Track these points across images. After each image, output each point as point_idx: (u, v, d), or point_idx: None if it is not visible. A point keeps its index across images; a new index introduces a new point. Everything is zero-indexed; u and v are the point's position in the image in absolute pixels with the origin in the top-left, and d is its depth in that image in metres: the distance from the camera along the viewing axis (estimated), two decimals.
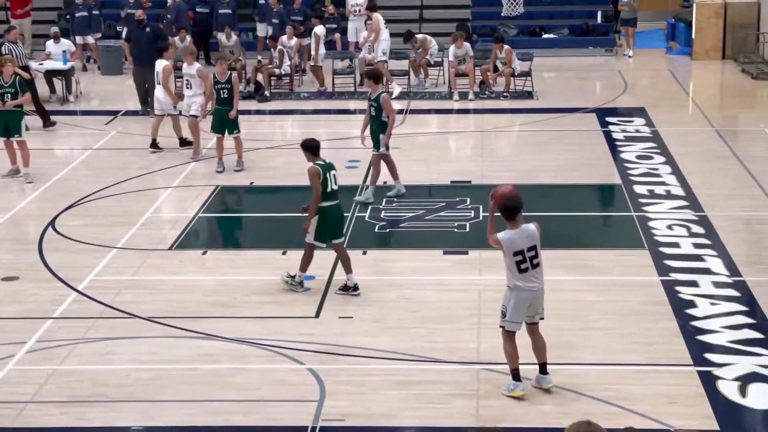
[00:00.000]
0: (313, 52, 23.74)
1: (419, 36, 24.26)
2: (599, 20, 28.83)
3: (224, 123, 17.78)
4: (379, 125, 16.07)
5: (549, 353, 10.46)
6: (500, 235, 10.08)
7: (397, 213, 15.81)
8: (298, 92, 23.92)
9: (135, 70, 22.24)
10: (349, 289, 12.83)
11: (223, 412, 10.15)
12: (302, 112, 22.48)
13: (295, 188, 17.29)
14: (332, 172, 12.64)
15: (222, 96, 17.72)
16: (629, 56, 27.36)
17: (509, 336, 10.22)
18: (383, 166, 16.21)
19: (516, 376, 10.29)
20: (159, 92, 19.00)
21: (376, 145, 16.12)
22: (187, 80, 18.87)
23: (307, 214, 12.72)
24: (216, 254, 14.45)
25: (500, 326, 10.29)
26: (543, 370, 10.38)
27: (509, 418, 9.88)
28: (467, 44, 23.38)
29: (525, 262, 9.97)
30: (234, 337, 11.73)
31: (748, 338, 11.46)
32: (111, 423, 10.05)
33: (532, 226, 10.13)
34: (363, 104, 23.02)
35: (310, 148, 12.71)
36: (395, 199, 16.12)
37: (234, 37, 25.17)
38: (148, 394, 10.53)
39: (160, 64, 19.00)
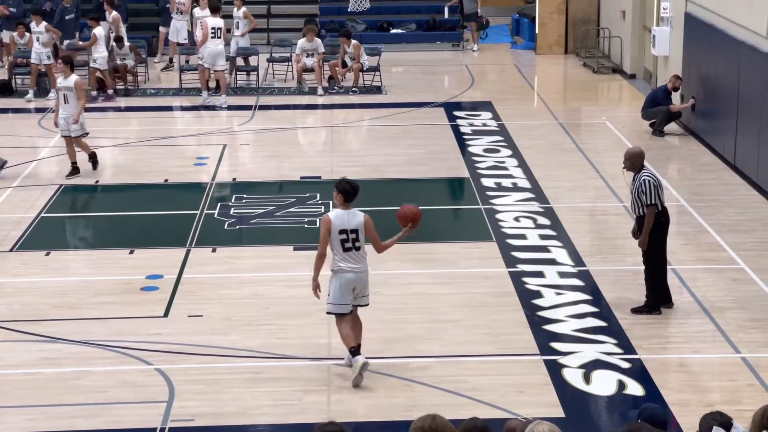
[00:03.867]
0: (95, 54, 22.47)
1: None
2: (446, 15, 29.15)
3: None
4: None
5: (398, 346, 10.59)
6: (329, 214, 10.57)
7: (247, 209, 15.69)
8: (144, 89, 23.51)
9: None
10: None
11: (66, 417, 9.90)
12: (145, 109, 22.06)
13: (141, 186, 17.04)
14: None
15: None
16: (474, 51, 27.74)
17: (340, 319, 10.55)
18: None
19: (354, 351, 10.54)
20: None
21: None
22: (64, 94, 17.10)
23: None
24: (60, 255, 14.08)
25: (327, 312, 10.63)
26: (357, 351, 10.53)
27: (360, 412, 9.92)
28: (318, 39, 23.33)
29: (348, 242, 10.47)
30: (79, 339, 11.46)
31: (592, 326, 11.76)
32: None
33: (360, 213, 10.59)
34: (187, 101, 22.80)
35: None
36: None
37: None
38: None
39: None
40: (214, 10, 22.12)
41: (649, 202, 11.74)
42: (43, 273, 13.42)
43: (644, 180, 11.77)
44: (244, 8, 23.66)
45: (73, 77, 17.05)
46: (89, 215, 16.04)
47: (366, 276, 10.62)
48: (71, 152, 17.12)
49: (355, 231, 10.48)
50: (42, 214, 15.48)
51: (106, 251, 14.20)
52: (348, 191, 10.52)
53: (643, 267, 12.24)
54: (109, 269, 13.48)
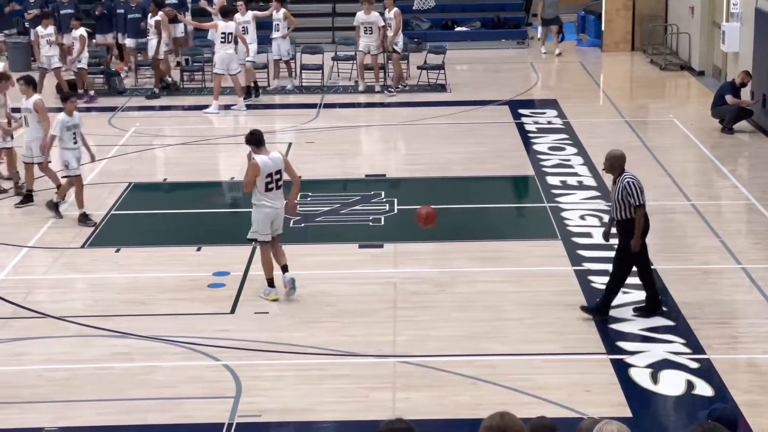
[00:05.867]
0: (75, 55, 22.39)
1: None
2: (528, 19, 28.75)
3: None
4: None
5: (464, 344, 10.61)
6: (257, 158, 11.99)
7: (312, 207, 15.78)
8: (211, 87, 23.70)
9: None
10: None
11: (138, 411, 10.05)
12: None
13: (208, 184, 17.22)
14: None
15: None
16: (556, 54, 26.57)
17: (264, 248, 12.32)
18: None
19: (270, 283, 12.40)
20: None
21: None
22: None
23: None
24: (129, 251, 14.28)
25: (250, 239, 12.39)
26: (285, 270, 12.40)
27: (425, 410, 9.93)
28: (376, 13, 22.90)
29: (272, 183, 12.09)
30: (149, 334, 11.62)
31: (659, 326, 11.66)
32: (24, 424, 9.89)
33: (278, 154, 12.25)
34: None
35: None
36: None
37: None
38: (62, 395, 10.39)
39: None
40: (225, 15, 21.80)
41: (637, 204, 11.53)
42: (114, 269, 13.62)
43: (628, 182, 11.54)
44: (283, 9, 23.33)
45: (34, 98, 15.72)
46: (157, 212, 16.22)
47: (282, 212, 12.31)
48: (29, 179, 15.94)
49: (279, 172, 12.13)
50: (112, 212, 15.70)
51: (173, 248, 14.36)
52: (258, 140, 12.14)
53: (710, 266, 12.10)
54: (177, 266, 13.64)
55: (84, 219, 15.08)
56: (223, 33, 21.58)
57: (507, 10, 29.37)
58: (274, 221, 12.31)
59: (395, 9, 22.84)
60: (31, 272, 13.54)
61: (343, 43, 25.26)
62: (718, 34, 22.61)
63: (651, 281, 11.87)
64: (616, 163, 11.70)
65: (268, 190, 12.13)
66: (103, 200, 16.12)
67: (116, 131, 20.08)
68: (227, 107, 21.69)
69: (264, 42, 23.48)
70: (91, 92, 22.65)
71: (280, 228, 12.46)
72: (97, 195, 16.38)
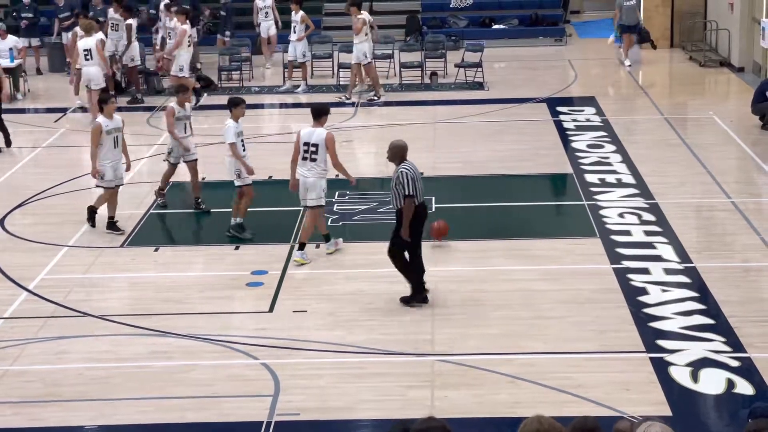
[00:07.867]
0: (133, 52, 22.55)
1: None
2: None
3: None
4: None
5: (502, 342, 10.70)
6: (301, 131, 13.37)
7: (350, 206, 15.80)
8: (249, 86, 23.82)
9: None
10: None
11: (177, 409, 10.10)
12: (254, 106, 22.33)
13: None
14: None
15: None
16: (628, 66, 24.91)
17: (316, 212, 13.58)
18: None
19: (302, 246, 13.52)
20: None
21: None
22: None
23: None
24: (168, 251, 14.36)
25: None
26: (327, 239, 13.83)
27: (464, 408, 9.92)
28: (354, 18, 21.99)
29: (307, 152, 13.30)
30: (187, 333, 11.68)
31: (700, 324, 11.58)
32: (64, 422, 9.98)
33: (324, 131, 13.30)
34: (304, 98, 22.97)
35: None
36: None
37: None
38: (102, 393, 10.47)
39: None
40: (189, 17, 21.61)
41: (406, 194, 11.84)
42: (153, 268, 13.70)
43: (402, 172, 11.93)
44: (301, 12, 22.98)
45: (119, 115, 15.23)
46: (195, 212, 16.27)
47: (310, 182, 13.32)
48: (115, 203, 14.99)
49: (315, 145, 13.21)
50: (151, 211, 15.79)
51: (212, 247, 14.43)
52: (314, 112, 13.45)
53: (750, 264, 12.01)
54: (215, 265, 13.71)
55: (238, 229, 14.46)
56: (189, 36, 21.47)
57: (545, 8, 29.24)
58: (303, 190, 13.41)
59: (301, 12, 22.53)
60: (71, 271, 13.63)
61: (380, 41, 25.21)
62: (758, 30, 22.40)
63: (419, 270, 12.11)
64: (397, 153, 12.18)
65: (303, 159, 13.31)
66: (142, 199, 16.22)
67: (155, 131, 20.19)
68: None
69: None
70: (111, 92, 22.67)
71: (308, 201, 13.44)
72: (135, 194, 16.48)
